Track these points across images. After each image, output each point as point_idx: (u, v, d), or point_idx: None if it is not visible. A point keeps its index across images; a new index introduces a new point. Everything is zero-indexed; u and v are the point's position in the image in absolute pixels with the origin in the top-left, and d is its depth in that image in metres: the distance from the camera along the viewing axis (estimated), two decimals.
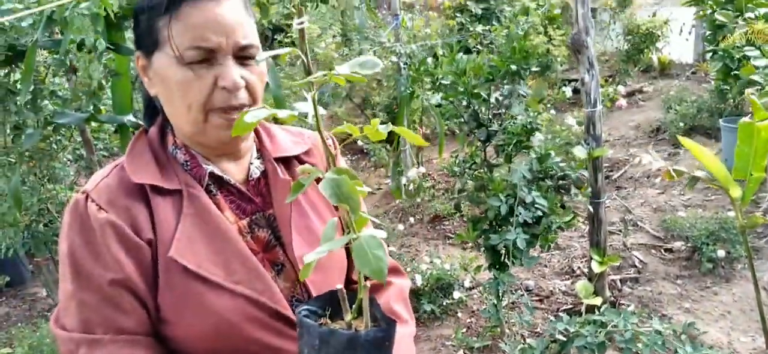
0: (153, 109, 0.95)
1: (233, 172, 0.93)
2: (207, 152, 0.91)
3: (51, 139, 3.15)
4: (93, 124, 2.93)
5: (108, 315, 0.80)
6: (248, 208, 0.92)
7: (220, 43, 0.82)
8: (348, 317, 0.72)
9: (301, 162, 1.01)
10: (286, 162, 0.99)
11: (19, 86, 2.53)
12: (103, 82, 2.40)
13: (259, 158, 0.98)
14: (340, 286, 0.73)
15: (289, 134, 1.04)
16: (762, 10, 4.90)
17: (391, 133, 0.72)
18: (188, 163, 0.90)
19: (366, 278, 0.69)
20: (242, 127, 0.66)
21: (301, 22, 0.61)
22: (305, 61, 0.69)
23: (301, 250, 0.91)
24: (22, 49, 2.42)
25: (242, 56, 0.84)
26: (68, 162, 3.60)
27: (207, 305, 0.81)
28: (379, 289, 1.04)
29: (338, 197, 0.62)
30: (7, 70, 2.59)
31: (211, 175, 0.90)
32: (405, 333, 1.00)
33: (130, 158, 0.88)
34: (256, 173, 0.96)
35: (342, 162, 1.06)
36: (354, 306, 0.72)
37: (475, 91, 2.71)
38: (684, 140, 2.05)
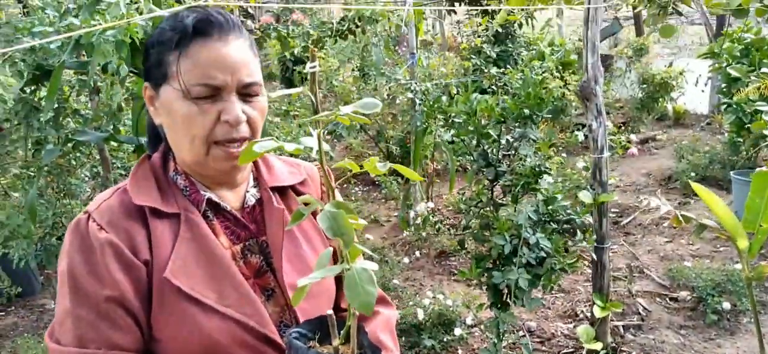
0: (156, 137, 1.00)
1: (230, 199, 0.98)
2: (206, 180, 0.95)
3: (70, 155, 3.25)
4: (112, 143, 3.03)
5: (103, 331, 0.83)
6: (242, 234, 0.96)
7: (226, 81, 0.87)
8: (336, 343, 0.74)
9: (296, 192, 1.04)
10: (281, 191, 1.03)
11: (43, 103, 2.63)
12: (123, 104, 2.49)
13: (255, 186, 1.02)
14: (329, 311, 0.76)
15: (285, 165, 1.08)
16: None
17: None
18: (187, 189, 0.94)
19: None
20: (249, 156, 0.70)
21: (314, 67, 0.66)
22: (313, 101, 0.74)
23: (290, 277, 0.94)
24: (48, 69, 2.53)
25: (245, 93, 0.90)
26: (86, 179, 3.70)
27: (198, 326, 0.85)
28: (366, 318, 1.06)
29: (334, 230, 0.66)
30: (33, 88, 2.70)
31: (209, 201, 0.94)
32: None
33: (133, 181, 0.92)
34: (251, 201, 1.00)
35: (338, 195, 1.11)
36: (342, 332, 0.75)
37: (486, 130, 2.76)
38: (696, 186, 2.07)
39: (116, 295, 0.83)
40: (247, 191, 1.00)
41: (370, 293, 0.63)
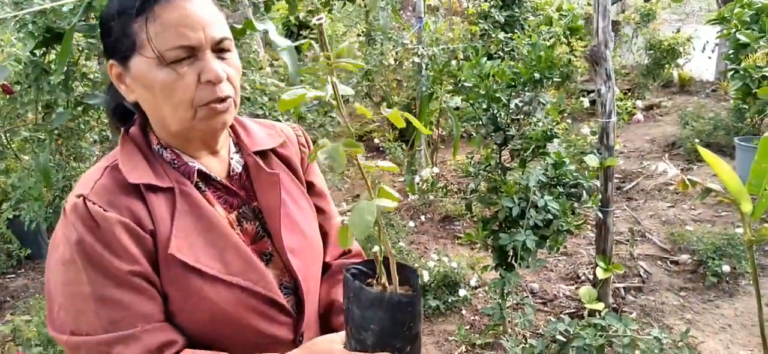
0: (121, 114, 0.97)
1: (216, 168, 0.96)
2: (191, 149, 0.93)
3: (80, 119, 3.28)
4: None
5: (134, 306, 0.82)
6: (235, 201, 0.96)
7: (200, 39, 0.84)
8: (383, 279, 0.81)
9: (277, 155, 1.05)
10: (263, 155, 1.02)
11: (53, 66, 2.65)
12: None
13: (237, 152, 1.01)
14: (375, 248, 0.82)
15: (263, 128, 1.07)
16: None
17: (406, 133, 0.81)
18: (175, 162, 0.92)
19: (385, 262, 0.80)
20: (287, 103, 0.74)
21: (320, 19, 0.70)
22: (325, 50, 0.78)
23: (288, 240, 0.96)
24: (58, 32, 2.54)
25: (218, 50, 0.87)
26: (94, 142, 3.73)
27: (205, 297, 0.85)
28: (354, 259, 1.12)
29: (331, 165, 0.73)
30: (43, 51, 2.71)
31: (199, 172, 0.93)
32: None
33: (124, 159, 0.88)
34: (238, 168, 0.99)
35: (316, 164, 1.12)
36: (381, 269, 0.81)
37: (496, 95, 2.78)
38: (702, 149, 2.09)
39: (139, 269, 0.83)
40: (231, 158, 0.99)
41: (368, 222, 0.70)
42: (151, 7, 0.82)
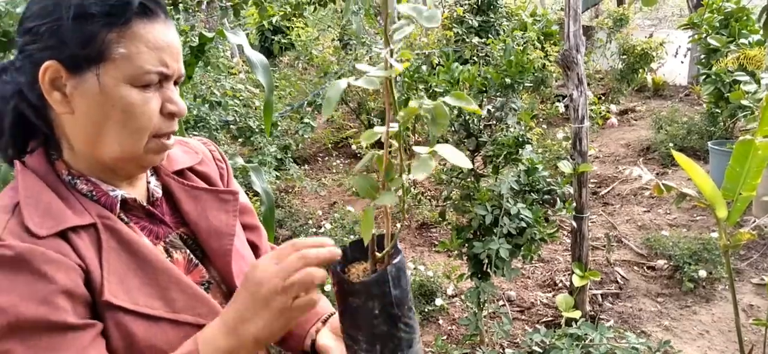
0: (14, 136, 0.82)
1: (136, 195, 0.87)
2: (111, 179, 0.84)
3: None
4: None
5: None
6: (161, 231, 0.88)
7: (174, 70, 0.80)
8: (379, 255, 0.82)
9: (196, 173, 0.97)
10: (180, 175, 0.95)
11: None
12: None
13: (153, 175, 0.92)
14: (377, 232, 0.82)
15: (176, 144, 0.97)
16: (755, 37, 4.97)
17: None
18: (94, 193, 0.82)
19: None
20: (331, 104, 0.74)
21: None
22: (385, 22, 0.75)
23: (235, 266, 0.90)
24: (14, 36, 2.43)
25: (175, 83, 0.84)
26: None
27: (151, 341, 0.77)
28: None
29: (434, 120, 0.73)
30: (1, 55, 2.60)
31: (122, 201, 0.84)
32: None
33: (27, 205, 0.75)
34: (158, 192, 0.90)
35: (233, 179, 1.06)
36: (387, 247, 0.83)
37: None
38: (677, 154, 2.06)
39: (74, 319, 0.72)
40: (149, 183, 0.90)
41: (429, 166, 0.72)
42: (128, 22, 0.76)
